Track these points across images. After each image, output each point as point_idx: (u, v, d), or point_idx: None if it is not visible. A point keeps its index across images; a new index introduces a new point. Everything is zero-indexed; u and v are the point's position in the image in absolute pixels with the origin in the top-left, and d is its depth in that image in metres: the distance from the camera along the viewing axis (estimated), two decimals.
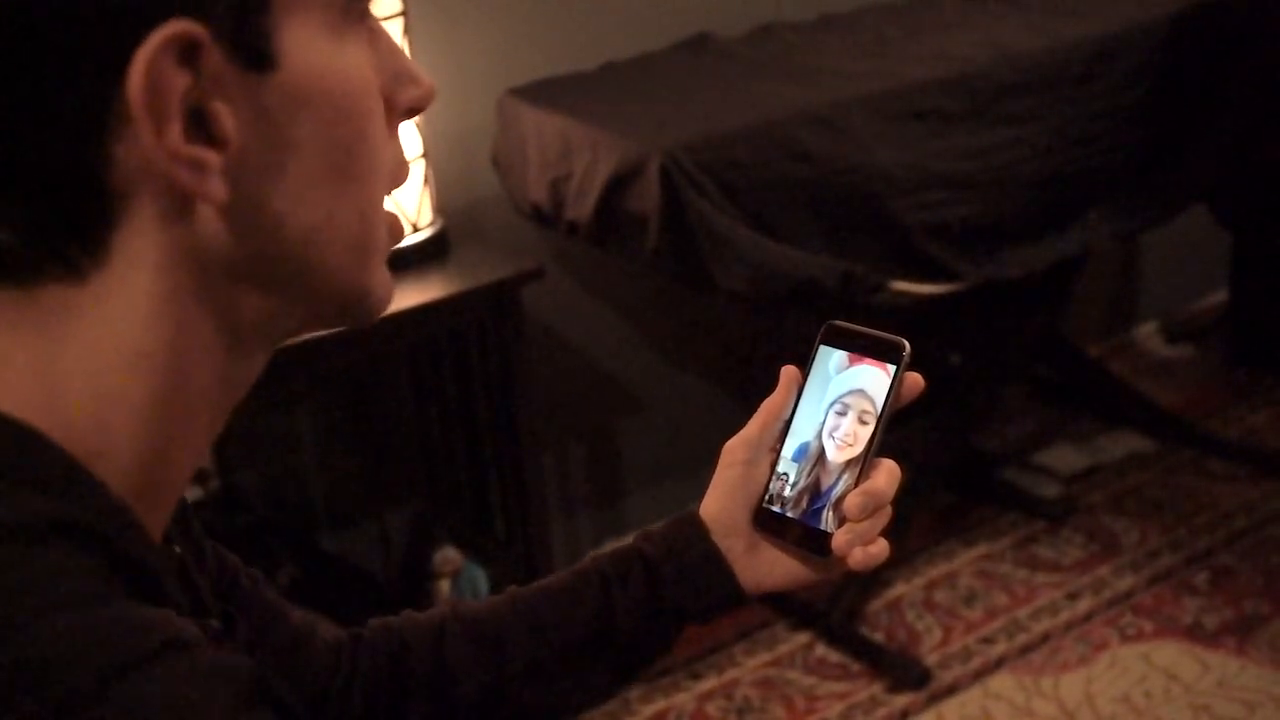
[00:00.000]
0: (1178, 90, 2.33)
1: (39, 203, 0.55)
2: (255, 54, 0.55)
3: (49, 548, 0.52)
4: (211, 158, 0.55)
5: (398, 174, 0.64)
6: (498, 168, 2.27)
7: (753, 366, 2.65)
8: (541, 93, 2.22)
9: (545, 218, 2.19)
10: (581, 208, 2.07)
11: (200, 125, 0.55)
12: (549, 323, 2.47)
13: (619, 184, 2.00)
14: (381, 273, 0.64)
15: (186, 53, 0.53)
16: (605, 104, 2.18)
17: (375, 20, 0.62)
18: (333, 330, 0.67)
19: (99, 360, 0.57)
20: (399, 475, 2.43)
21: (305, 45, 0.57)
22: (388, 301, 0.65)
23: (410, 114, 0.65)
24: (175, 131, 0.54)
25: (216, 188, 0.55)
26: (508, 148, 2.24)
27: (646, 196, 1.97)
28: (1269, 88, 2.38)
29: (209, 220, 0.57)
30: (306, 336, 0.66)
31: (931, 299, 2.19)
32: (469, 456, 2.29)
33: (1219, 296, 3.30)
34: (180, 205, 0.56)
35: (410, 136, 2.01)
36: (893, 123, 2.12)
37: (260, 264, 0.59)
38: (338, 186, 0.59)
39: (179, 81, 0.53)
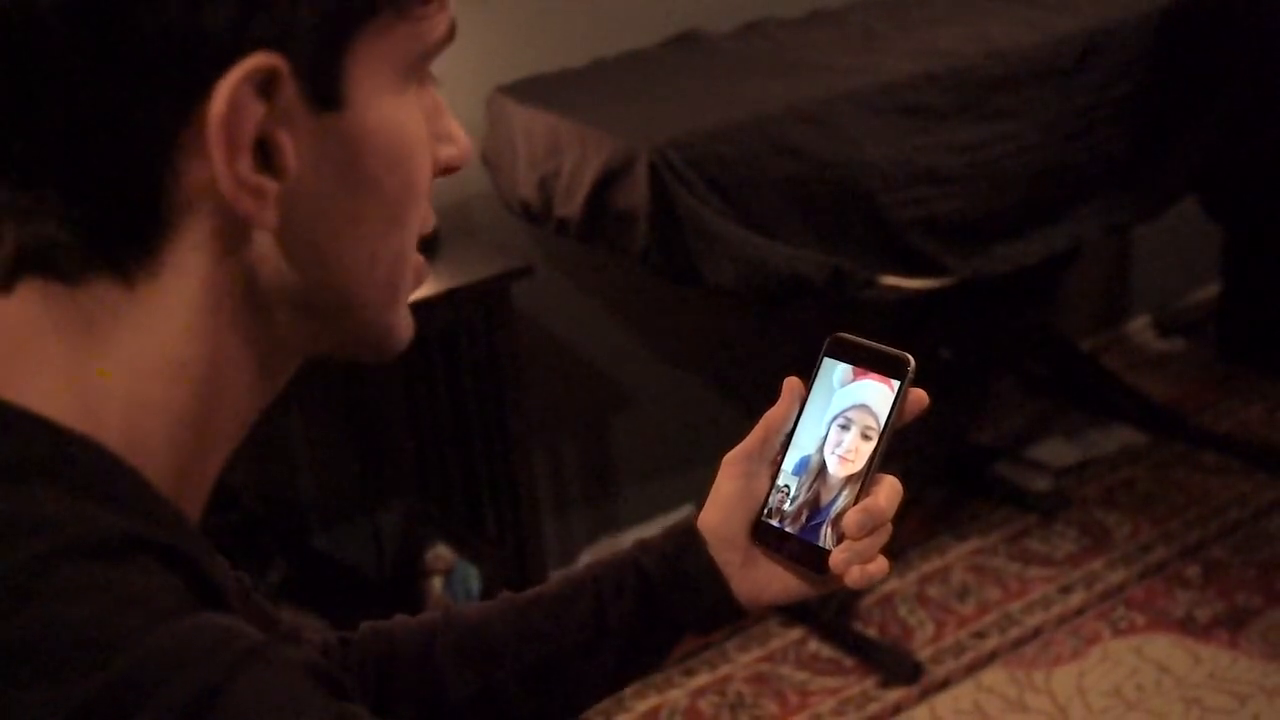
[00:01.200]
0: (1167, 84, 2.33)
1: (100, 206, 0.56)
2: (326, 93, 0.57)
3: (136, 564, 0.54)
4: (271, 186, 0.57)
5: (425, 225, 0.66)
6: (487, 165, 2.27)
7: (743, 362, 2.66)
8: (530, 90, 2.22)
9: (534, 215, 2.19)
10: (570, 205, 2.07)
11: (263, 154, 0.56)
12: (539, 320, 2.47)
13: (608, 181, 2.00)
14: (405, 313, 0.67)
15: (265, 84, 0.55)
16: (594, 101, 2.18)
17: (430, 79, 0.64)
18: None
19: (138, 365, 0.58)
20: (390, 473, 2.43)
21: (371, 92, 0.59)
22: (408, 340, 0.67)
23: (447, 172, 0.67)
24: (245, 159, 0.55)
25: (271, 216, 0.57)
26: (497, 145, 2.24)
27: (635, 193, 1.97)
28: (1258, 80, 2.38)
29: (258, 244, 0.59)
30: None
31: (921, 294, 2.19)
32: (460, 454, 2.29)
33: (1211, 290, 3.30)
34: (234, 228, 0.58)
35: None
36: (881, 118, 2.12)
37: (300, 292, 0.61)
38: (383, 229, 0.62)
39: (255, 110, 0.55)
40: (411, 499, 2.42)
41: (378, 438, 2.42)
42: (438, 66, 0.64)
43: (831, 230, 2.09)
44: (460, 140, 0.66)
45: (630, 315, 2.63)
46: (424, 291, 2.01)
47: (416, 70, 0.62)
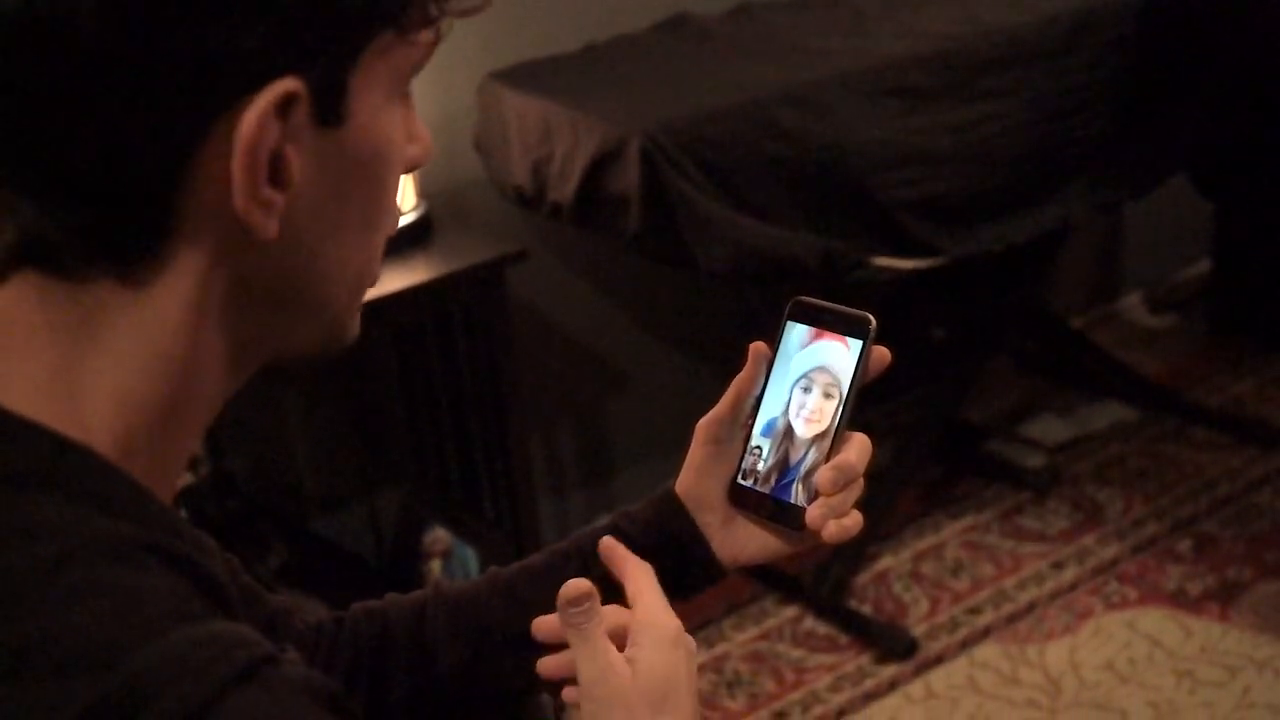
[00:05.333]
0: (1155, 62, 2.34)
1: (113, 211, 0.58)
2: (331, 111, 0.60)
3: (141, 567, 0.56)
4: (278, 200, 0.59)
5: (392, 228, 0.69)
6: (480, 151, 2.28)
7: (737, 344, 2.67)
8: (522, 75, 2.24)
9: (528, 200, 2.20)
10: (563, 189, 2.09)
11: (273, 169, 0.59)
12: (534, 304, 2.49)
13: (600, 165, 2.02)
14: (358, 312, 0.70)
15: (284, 106, 0.57)
16: (585, 86, 2.19)
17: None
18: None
19: (127, 362, 0.60)
20: (387, 457, 2.44)
21: (368, 106, 0.62)
22: (357, 333, 0.70)
23: (410, 170, 0.69)
24: (262, 178, 0.58)
25: (273, 226, 0.59)
26: (490, 131, 2.25)
27: (627, 177, 1.98)
28: (1246, 58, 2.39)
29: (255, 250, 0.61)
30: None
31: (913, 274, 2.21)
32: (457, 438, 2.31)
33: (1202, 266, 3.32)
34: (236, 236, 0.60)
35: None
36: (871, 100, 2.13)
37: (280, 293, 0.63)
38: (361, 234, 0.65)
39: (274, 130, 0.57)
40: (409, 483, 2.43)
41: (375, 423, 2.43)
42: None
43: (822, 212, 2.11)
44: (424, 139, 0.69)
45: (625, 298, 2.64)
46: (419, 277, 2.03)
47: (406, 81, 0.65)
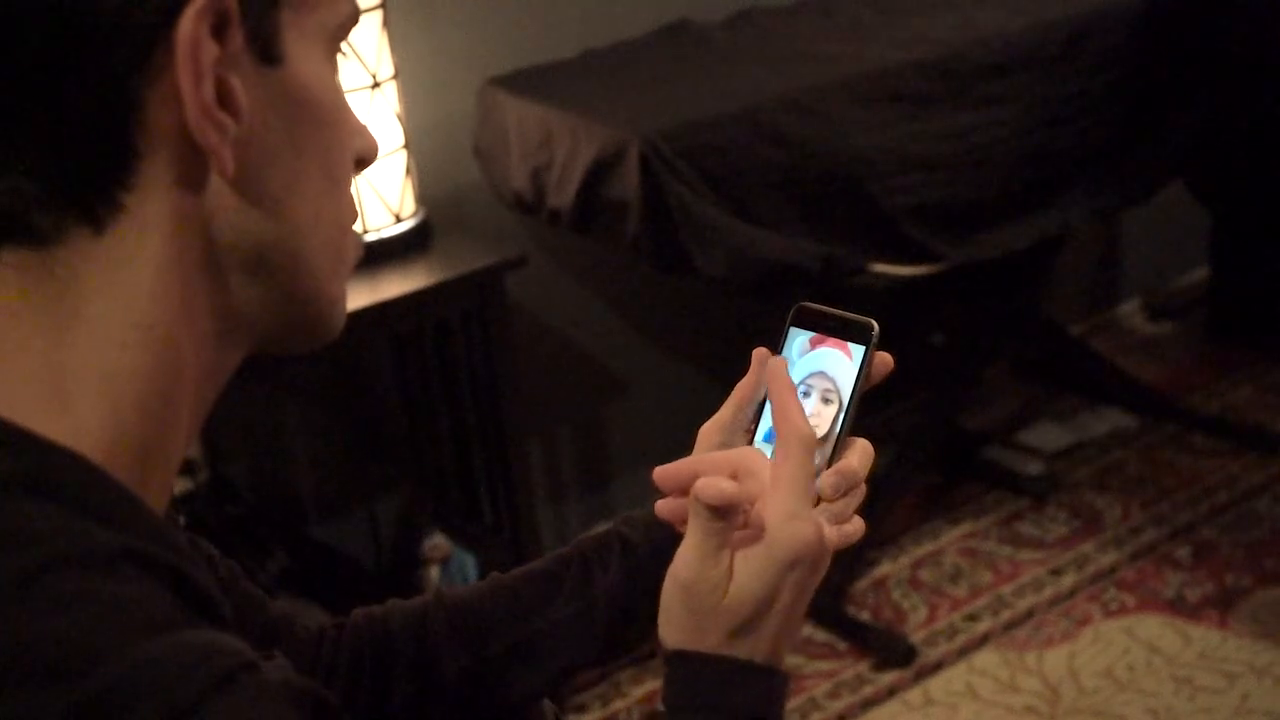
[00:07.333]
0: (1154, 69, 2.34)
1: (69, 147, 0.58)
2: (266, 45, 0.62)
3: (123, 576, 0.56)
4: (230, 124, 0.60)
5: (352, 212, 0.70)
6: (479, 157, 2.29)
7: (736, 351, 2.67)
8: (521, 81, 2.24)
9: (527, 206, 2.20)
10: (563, 196, 2.09)
11: (219, 97, 0.60)
12: (533, 310, 2.49)
13: (599, 171, 2.02)
14: (344, 293, 0.69)
15: (218, 25, 0.59)
16: (585, 91, 2.19)
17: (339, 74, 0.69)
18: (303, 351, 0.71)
19: (107, 333, 0.60)
20: (387, 464, 2.44)
21: (306, 53, 0.63)
22: (342, 323, 0.70)
23: (361, 165, 0.70)
24: (209, 88, 0.59)
25: (228, 158, 0.60)
26: (489, 137, 2.25)
27: (626, 184, 1.98)
28: (1244, 64, 2.40)
29: (216, 193, 0.62)
30: None
31: (912, 281, 2.21)
32: (456, 444, 2.31)
33: (1200, 273, 3.32)
34: (193, 173, 0.61)
35: (392, 127, 2.03)
36: (870, 106, 2.13)
37: (252, 249, 0.63)
38: (324, 187, 0.65)
39: (211, 48, 0.59)
40: (408, 489, 2.43)
41: (374, 429, 2.43)
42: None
43: (822, 218, 2.11)
44: (367, 133, 0.70)
45: (624, 304, 2.65)
46: (417, 283, 2.03)
47: (334, 44, 0.66)
